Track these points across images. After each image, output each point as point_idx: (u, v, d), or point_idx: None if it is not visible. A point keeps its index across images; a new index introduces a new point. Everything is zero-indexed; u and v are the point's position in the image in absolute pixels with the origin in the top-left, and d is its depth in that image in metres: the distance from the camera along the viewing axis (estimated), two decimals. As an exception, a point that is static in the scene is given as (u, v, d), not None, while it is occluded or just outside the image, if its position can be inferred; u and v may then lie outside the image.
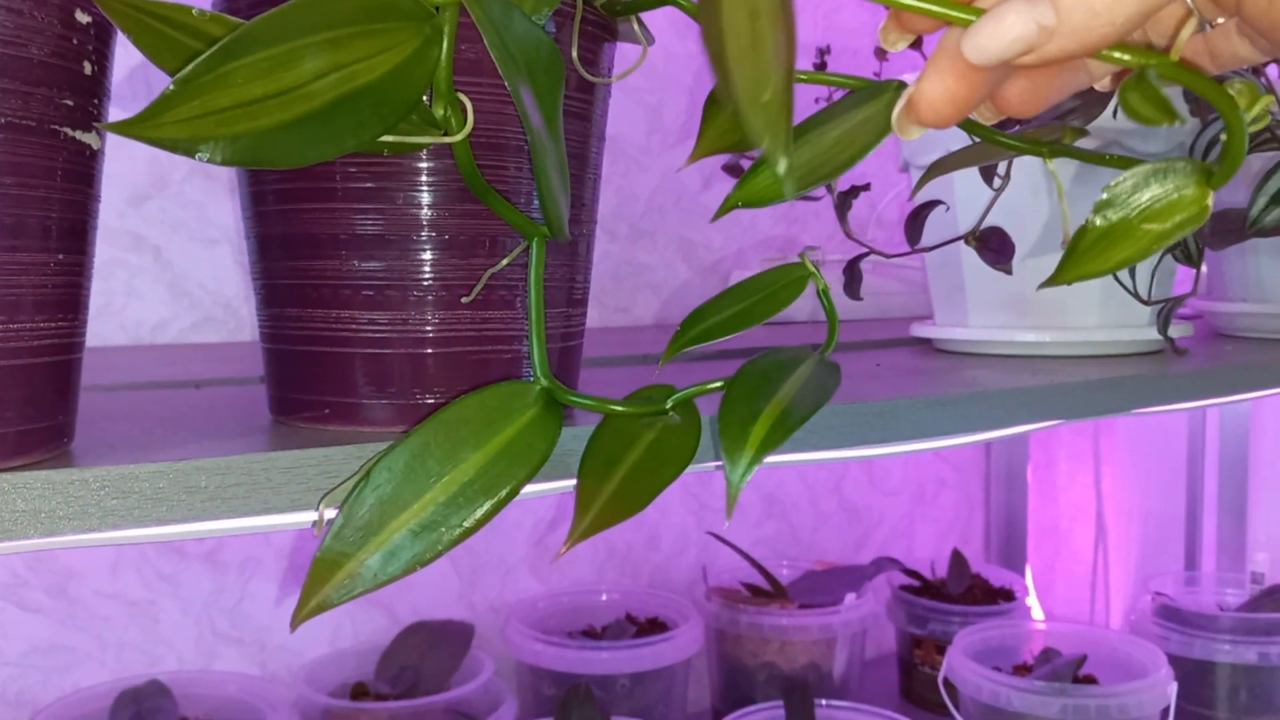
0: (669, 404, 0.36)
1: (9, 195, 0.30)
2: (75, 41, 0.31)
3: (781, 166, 0.24)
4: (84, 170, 0.32)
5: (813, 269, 0.35)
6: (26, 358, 0.31)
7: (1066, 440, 1.30)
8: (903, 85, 0.34)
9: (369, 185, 0.36)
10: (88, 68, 0.32)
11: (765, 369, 0.34)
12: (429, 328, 0.37)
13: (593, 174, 0.41)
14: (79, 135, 0.32)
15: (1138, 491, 1.24)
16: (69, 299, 0.32)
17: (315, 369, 0.38)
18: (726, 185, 1.01)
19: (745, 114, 0.29)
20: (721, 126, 0.38)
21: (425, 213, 0.36)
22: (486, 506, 0.33)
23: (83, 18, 0.31)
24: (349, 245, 0.37)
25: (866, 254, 0.65)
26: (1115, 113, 0.59)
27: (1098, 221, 0.31)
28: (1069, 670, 0.82)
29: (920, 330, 0.73)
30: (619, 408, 0.36)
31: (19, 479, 0.30)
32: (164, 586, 0.81)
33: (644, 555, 1.04)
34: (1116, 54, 0.29)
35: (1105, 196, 0.31)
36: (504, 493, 0.33)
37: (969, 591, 1.04)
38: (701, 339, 0.38)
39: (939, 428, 0.49)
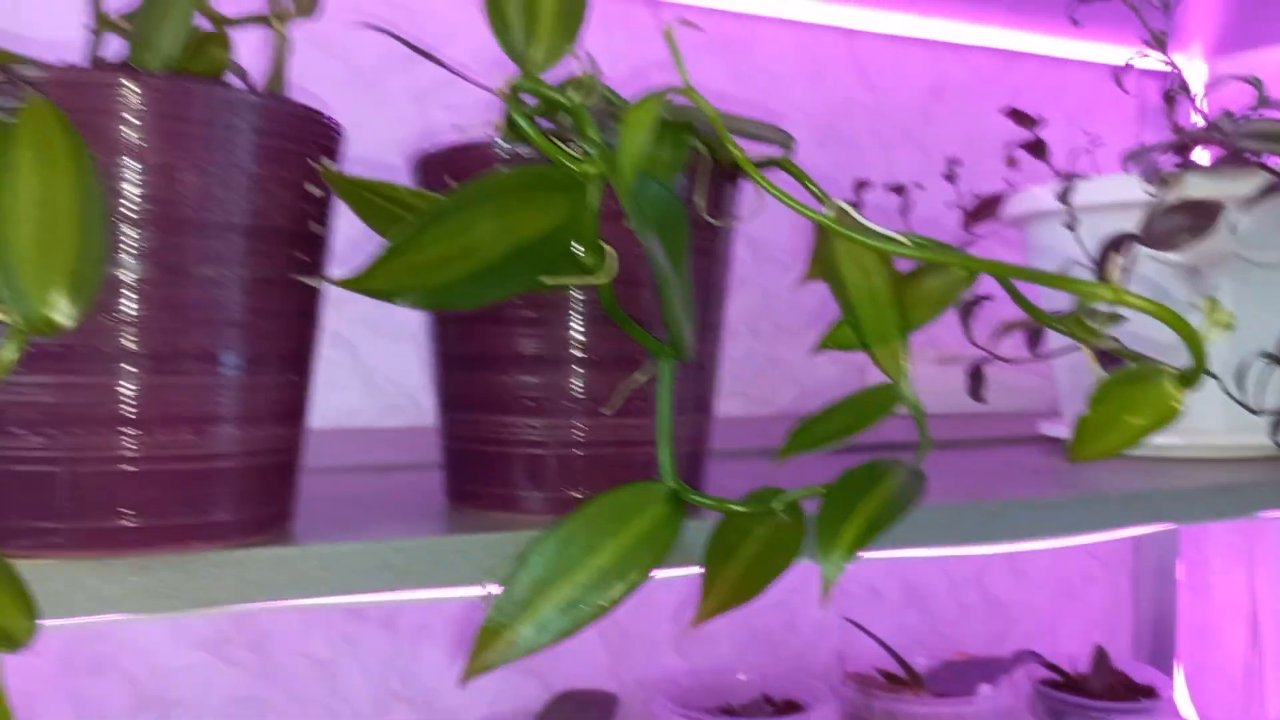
0: (778, 505, 0.41)
1: (258, 332, 0.38)
2: (306, 209, 0.39)
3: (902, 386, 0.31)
4: (309, 309, 0.41)
5: (908, 394, 0.40)
6: (262, 458, 0.39)
7: (1219, 538, 1.27)
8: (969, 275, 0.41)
9: (530, 314, 0.44)
10: (315, 228, 0.40)
11: (859, 477, 0.40)
12: (578, 432, 0.44)
13: (717, 299, 0.48)
14: (308, 282, 0.40)
15: (1298, 593, 1.20)
16: (295, 411, 0.41)
17: (484, 465, 0.45)
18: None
19: (875, 356, 0.37)
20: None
21: (575, 336, 0.44)
22: (620, 588, 0.39)
23: (314, 191, 0.40)
24: (514, 362, 0.44)
25: (989, 359, 0.70)
26: (1234, 229, 0.62)
27: (1092, 412, 0.36)
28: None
29: (1048, 429, 0.76)
30: (735, 508, 0.42)
31: (253, 554, 0.38)
32: (346, 648, 0.90)
33: (783, 639, 1.08)
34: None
35: (1095, 393, 0.36)
36: (634, 576, 0.39)
37: (1111, 688, 1.04)
38: (811, 447, 0.44)
39: (1046, 529, 0.53)
